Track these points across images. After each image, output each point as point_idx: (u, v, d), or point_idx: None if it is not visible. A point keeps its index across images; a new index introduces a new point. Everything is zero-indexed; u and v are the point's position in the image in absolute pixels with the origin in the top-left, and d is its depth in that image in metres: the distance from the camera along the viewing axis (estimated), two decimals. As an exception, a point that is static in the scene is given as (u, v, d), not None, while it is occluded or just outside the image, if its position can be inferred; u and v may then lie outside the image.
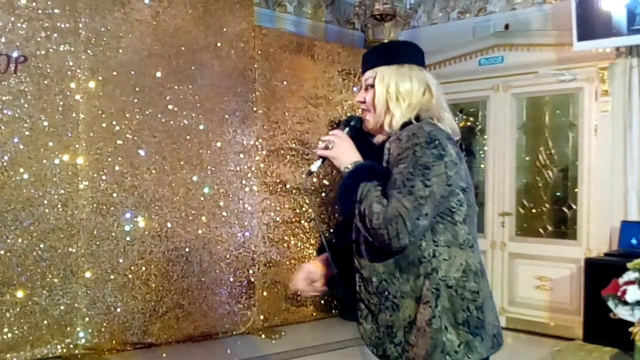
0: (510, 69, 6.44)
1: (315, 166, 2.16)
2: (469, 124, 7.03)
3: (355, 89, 7.11)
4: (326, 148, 2.07)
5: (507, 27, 6.70)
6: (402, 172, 1.87)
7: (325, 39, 7.24)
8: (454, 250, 1.95)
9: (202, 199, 5.84)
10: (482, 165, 6.82)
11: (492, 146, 6.67)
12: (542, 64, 6.11)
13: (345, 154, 2.05)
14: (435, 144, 1.89)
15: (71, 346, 5.10)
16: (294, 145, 6.55)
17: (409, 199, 1.83)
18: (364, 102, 2.14)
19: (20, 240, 4.90)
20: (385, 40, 7.33)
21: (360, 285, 2.04)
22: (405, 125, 2.02)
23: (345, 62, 7.05)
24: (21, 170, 4.91)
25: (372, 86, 2.10)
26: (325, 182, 6.81)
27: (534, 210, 6.56)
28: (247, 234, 6.14)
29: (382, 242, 1.86)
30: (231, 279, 6.03)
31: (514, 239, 6.49)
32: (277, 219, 6.43)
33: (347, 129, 2.15)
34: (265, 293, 6.29)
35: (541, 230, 6.47)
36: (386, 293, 1.96)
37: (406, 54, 2.13)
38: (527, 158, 6.62)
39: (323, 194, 6.79)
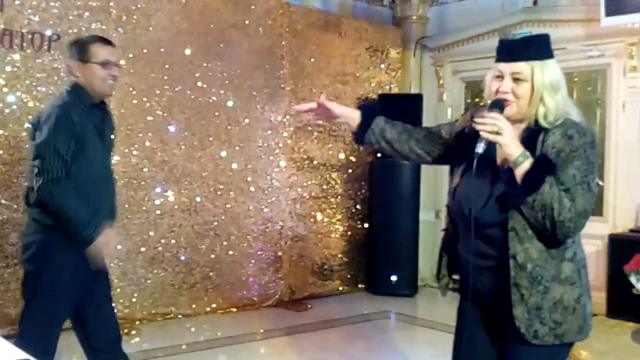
0: (539, 45, 6.37)
1: (481, 148, 2.07)
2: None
3: (382, 66, 7.15)
4: (497, 133, 2.02)
5: (535, 2, 6.64)
6: (579, 169, 2.01)
7: (353, 16, 7.25)
8: (579, 235, 2.15)
9: (230, 174, 5.96)
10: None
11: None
12: (570, 39, 6.04)
13: (515, 140, 2.04)
14: (595, 143, 2.09)
15: (104, 315, 5.28)
16: (321, 122, 6.57)
17: (588, 197, 2.00)
18: (510, 93, 2.09)
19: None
20: (414, 17, 7.35)
21: (514, 271, 2.07)
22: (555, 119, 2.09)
23: (373, 39, 7.09)
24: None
25: (522, 80, 2.07)
26: (352, 158, 6.88)
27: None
28: (274, 208, 6.26)
29: (565, 232, 2.00)
30: (259, 253, 6.16)
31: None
32: (304, 194, 6.53)
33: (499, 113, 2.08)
34: (292, 267, 6.41)
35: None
36: (539, 278, 2.06)
37: (550, 46, 2.15)
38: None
39: (350, 170, 6.87)
